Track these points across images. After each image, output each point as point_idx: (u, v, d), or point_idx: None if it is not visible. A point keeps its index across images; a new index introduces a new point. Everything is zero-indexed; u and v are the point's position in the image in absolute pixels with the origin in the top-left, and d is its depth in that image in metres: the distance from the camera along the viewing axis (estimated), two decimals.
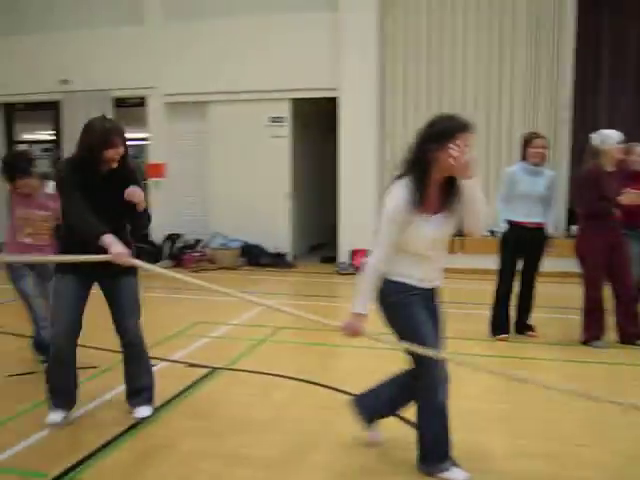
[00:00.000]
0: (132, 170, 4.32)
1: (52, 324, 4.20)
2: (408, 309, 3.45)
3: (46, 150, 12.88)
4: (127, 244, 4.07)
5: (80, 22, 11.88)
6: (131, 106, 12.06)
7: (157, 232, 11.68)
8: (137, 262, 3.97)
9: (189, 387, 5.05)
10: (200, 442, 4.07)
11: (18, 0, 12.37)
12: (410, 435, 3.79)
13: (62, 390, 4.26)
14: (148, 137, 11.96)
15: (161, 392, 4.75)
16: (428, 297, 3.54)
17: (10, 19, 12.46)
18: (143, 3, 11.57)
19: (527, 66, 10.20)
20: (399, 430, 4.13)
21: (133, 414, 4.34)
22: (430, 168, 3.22)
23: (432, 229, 3.32)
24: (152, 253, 11.41)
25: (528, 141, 6.19)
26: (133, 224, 4.34)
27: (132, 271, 4.19)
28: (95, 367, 5.43)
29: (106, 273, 4.09)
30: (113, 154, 4.04)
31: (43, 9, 12.16)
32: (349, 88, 10.52)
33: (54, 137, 12.65)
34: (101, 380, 5.17)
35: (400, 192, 3.26)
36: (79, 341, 4.24)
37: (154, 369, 4.59)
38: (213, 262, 11.05)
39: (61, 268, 4.12)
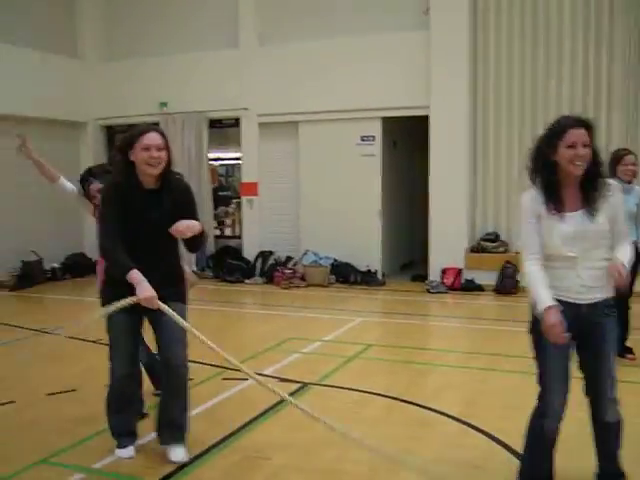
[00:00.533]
0: (183, 190, 3.97)
1: (110, 359, 4.06)
2: (542, 338, 3.18)
3: None
4: (176, 273, 3.96)
5: (178, 47, 12.35)
6: (225, 127, 12.40)
7: (249, 249, 11.93)
8: (162, 306, 3.70)
9: (281, 401, 5.12)
10: (292, 456, 4.13)
11: (119, 27, 12.98)
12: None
13: (122, 432, 4.14)
14: (241, 156, 12.26)
15: (254, 405, 4.86)
16: (579, 315, 3.23)
17: (111, 46, 13.09)
18: (239, 27, 11.91)
19: (624, 80, 9.88)
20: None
21: (168, 456, 3.99)
22: (553, 167, 3.18)
23: (569, 226, 3.21)
24: (244, 270, 11.65)
25: (618, 158, 6.00)
26: (186, 245, 4.02)
27: (180, 296, 3.98)
28: (191, 379, 5.59)
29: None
30: (147, 148, 3.70)
31: (143, 36, 12.72)
32: (440, 106, 10.48)
33: None
34: (195, 392, 5.32)
35: (527, 194, 3.28)
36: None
37: (246, 384, 4.68)
38: (304, 279, 11.18)
39: (107, 300, 3.87)
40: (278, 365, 6.17)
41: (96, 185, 4.90)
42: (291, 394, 5.27)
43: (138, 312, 3.85)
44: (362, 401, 5.19)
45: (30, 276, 11.52)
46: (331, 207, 11.39)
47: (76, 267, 12.37)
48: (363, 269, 11.21)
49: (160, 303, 3.68)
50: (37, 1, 12.11)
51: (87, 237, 13.06)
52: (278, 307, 9.09)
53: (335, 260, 11.32)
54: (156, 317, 3.86)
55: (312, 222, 11.59)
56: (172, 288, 3.93)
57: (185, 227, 3.75)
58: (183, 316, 3.81)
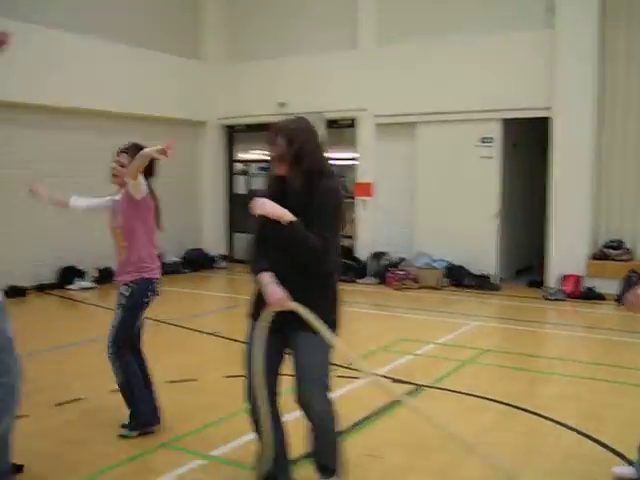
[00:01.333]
0: (325, 190, 3.22)
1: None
2: None
3: (262, 169, 13.72)
4: (323, 282, 3.34)
5: (297, 48, 12.57)
6: (342, 127, 12.50)
7: (362, 249, 11.96)
8: (293, 305, 3.17)
9: (394, 402, 5.12)
10: (406, 456, 4.12)
11: (241, 30, 13.35)
12: None
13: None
14: (357, 157, 12.32)
15: (367, 405, 4.87)
16: None
17: (233, 48, 13.48)
18: (358, 28, 11.98)
19: None
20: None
21: None
22: None
23: None
24: (357, 270, 11.69)
25: None
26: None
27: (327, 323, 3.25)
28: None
29: (285, 324, 3.25)
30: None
31: (263, 38, 13.03)
32: (564, 107, 10.14)
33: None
34: None
35: None
36: None
37: (360, 383, 4.68)
38: (417, 281, 11.10)
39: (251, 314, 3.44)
40: (391, 366, 6.16)
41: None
42: (404, 395, 5.28)
43: (279, 332, 3.29)
44: (476, 406, 5.10)
45: None
46: (447, 209, 11.26)
47: (195, 262, 12.81)
48: (477, 273, 11.01)
49: (292, 304, 3.17)
50: (165, 7, 12.64)
51: (206, 233, 13.54)
52: (390, 308, 9.06)
53: (449, 263, 11.18)
54: (291, 343, 3.31)
55: (427, 224, 11.49)
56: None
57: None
58: (321, 349, 3.26)
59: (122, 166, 4.46)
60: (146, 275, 4.48)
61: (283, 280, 3.21)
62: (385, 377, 5.73)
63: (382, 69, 11.65)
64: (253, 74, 13.05)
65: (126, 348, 4.47)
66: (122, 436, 4.38)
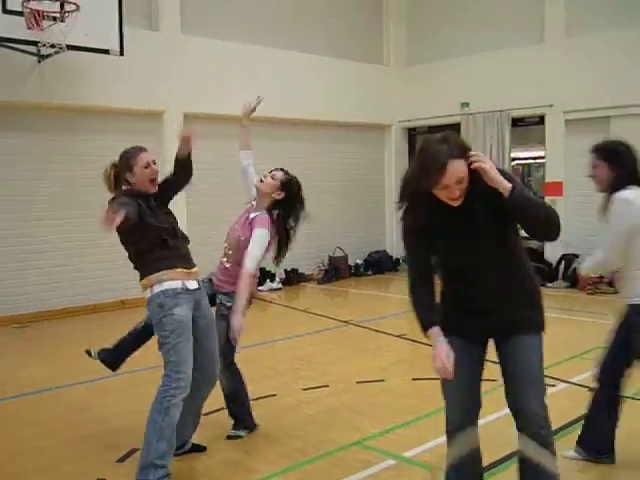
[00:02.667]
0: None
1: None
2: None
3: None
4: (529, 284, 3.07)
5: (478, 46, 12.29)
6: (529, 125, 12.07)
7: (552, 252, 11.47)
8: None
9: None
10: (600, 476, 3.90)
11: (421, 32, 13.30)
12: None
13: None
14: (545, 155, 11.84)
15: (560, 415, 4.65)
16: None
17: (414, 50, 13.45)
18: (545, 20, 11.52)
19: None
20: None
21: None
22: None
23: None
24: (546, 273, 11.23)
25: None
26: None
27: (535, 325, 3.00)
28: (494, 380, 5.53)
29: (500, 328, 2.99)
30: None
31: (443, 38, 12.87)
32: None
33: None
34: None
35: None
36: None
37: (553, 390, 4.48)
38: (612, 285, 10.46)
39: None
40: (586, 374, 5.84)
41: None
42: None
43: (481, 339, 3.07)
44: None
45: (337, 270, 12.30)
46: None
47: (378, 264, 12.93)
48: None
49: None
50: (348, 15, 12.88)
51: (389, 235, 13.63)
52: (584, 313, 8.60)
53: None
54: (505, 349, 3.01)
55: None
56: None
57: None
58: (538, 351, 2.97)
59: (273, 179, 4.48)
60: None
61: (485, 297, 2.94)
62: (581, 386, 5.46)
63: (570, 62, 11.09)
64: (434, 75, 12.92)
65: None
66: (232, 437, 4.48)
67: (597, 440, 4.00)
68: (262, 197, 4.45)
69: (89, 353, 4.44)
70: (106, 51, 8.46)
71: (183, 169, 4.11)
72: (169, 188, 4.12)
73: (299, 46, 11.79)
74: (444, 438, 4.23)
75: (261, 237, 4.25)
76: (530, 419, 2.91)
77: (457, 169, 2.67)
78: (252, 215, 4.41)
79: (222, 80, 10.54)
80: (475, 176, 2.75)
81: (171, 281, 3.81)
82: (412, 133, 13.95)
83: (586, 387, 5.40)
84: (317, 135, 12.26)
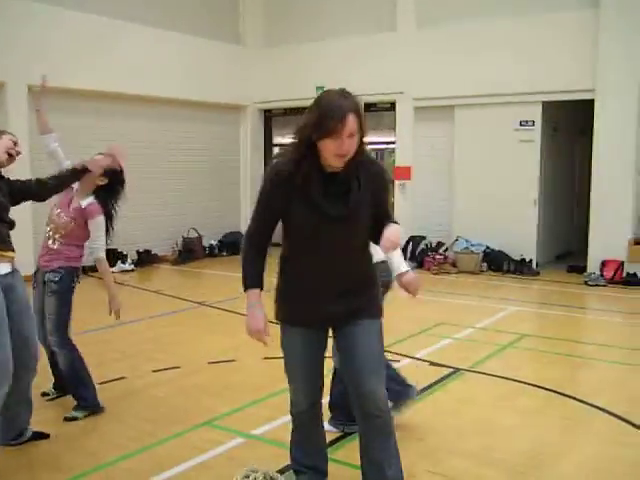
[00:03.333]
0: (376, 173, 3.01)
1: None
2: None
3: None
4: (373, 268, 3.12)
5: (335, 31, 12.50)
6: (381, 110, 12.42)
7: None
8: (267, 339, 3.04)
9: (433, 384, 5.13)
10: (445, 439, 4.13)
11: (279, 14, 13.33)
12: None
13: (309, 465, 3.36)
14: (395, 140, 12.25)
15: None
16: None
17: (271, 32, 13.47)
18: (397, 10, 11.87)
19: None
20: None
21: None
22: None
23: None
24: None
25: None
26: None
27: (375, 311, 3.08)
28: None
29: (339, 314, 3.01)
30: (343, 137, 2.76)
31: (301, 21, 12.99)
32: (609, 89, 9.94)
33: None
34: None
35: None
36: None
37: (397, 366, 4.69)
38: (455, 265, 11.04)
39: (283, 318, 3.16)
40: (429, 349, 6.16)
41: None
42: (443, 378, 5.29)
43: (321, 327, 3.12)
44: (517, 390, 5.08)
45: (191, 252, 12.16)
46: (486, 193, 11.16)
47: (233, 245, 12.90)
48: (517, 258, 10.91)
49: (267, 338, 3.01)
50: None
51: (244, 216, 13.62)
52: (429, 292, 9.04)
53: (487, 247, 11.09)
54: (345, 334, 3.05)
55: (465, 208, 11.40)
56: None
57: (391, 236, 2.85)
58: (379, 336, 3.07)
59: None
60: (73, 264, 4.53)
61: (335, 274, 2.96)
62: (423, 360, 5.74)
63: (421, 51, 11.54)
64: (291, 58, 13.01)
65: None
66: (69, 419, 4.41)
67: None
68: (86, 182, 4.47)
69: None
70: None
71: (50, 192, 4.16)
72: (23, 190, 3.96)
73: (154, 21, 11.45)
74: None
75: (100, 224, 4.52)
76: (373, 401, 2.97)
77: (354, 123, 2.74)
78: (83, 204, 4.48)
79: (72, 52, 10.05)
80: (365, 159, 2.93)
81: None
82: (268, 115, 13.99)
83: (427, 361, 5.72)
84: (172, 114, 12.00)
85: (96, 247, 4.48)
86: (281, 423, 4.26)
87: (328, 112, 2.72)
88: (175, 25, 11.81)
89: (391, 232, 2.83)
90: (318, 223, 2.85)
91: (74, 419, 4.40)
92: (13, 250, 3.80)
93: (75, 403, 4.50)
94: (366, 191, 2.89)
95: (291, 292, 3.06)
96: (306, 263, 2.98)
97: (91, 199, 4.51)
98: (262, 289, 2.98)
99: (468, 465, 3.77)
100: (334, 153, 2.77)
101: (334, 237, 2.89)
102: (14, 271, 3.83)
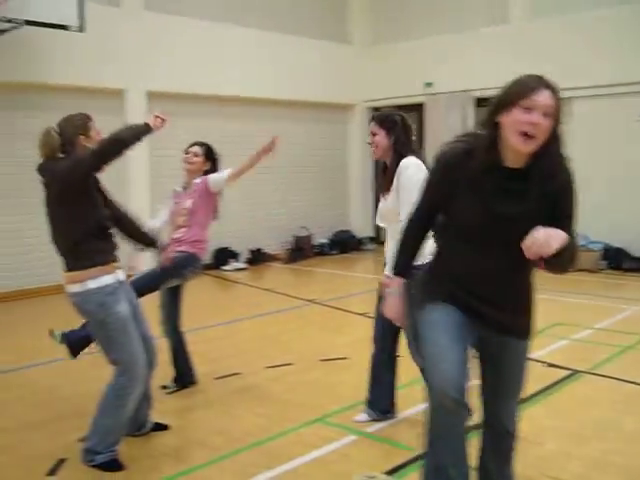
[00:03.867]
0: (566, 180, 2.63)
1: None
2: None
3: None
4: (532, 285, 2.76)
5: (443, 26, 12.31)
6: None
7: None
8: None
9: (550, 387, 4.97)
10: (564, 442, 4.00)
11: (386, 11, 13.26)
12: None
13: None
14: None
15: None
16: None
17: (378, 29, 13.42)
18: (509, 1, 11.57)
19: None
20: None
21: None
22: None
23: None
24: None
25: None
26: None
27: (529, 330, 2.81)
28: None
29: (491, 325, 2.71)
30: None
31: (409, 18, 12.87)
32: None
33: (415, 138, 13.30)
34: None
35: None
36: None
37: None
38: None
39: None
40: (546, 350, 5.96)
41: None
42: (560, 381, 5.11)
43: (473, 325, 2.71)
44: (637, 394, 4.84)
45: (301, 250, 12.32)
46: (605, 190, 10.67)
47: (342, 243, 12.97)
48: (638, 255, 10.39)
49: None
50: None
51: (353, 215, 13.68)
52: (545, 291, 8.74)
53: (606, 245, 10.62)
54: (493, 350, 2.81)
55: (585, 204, 10.93)
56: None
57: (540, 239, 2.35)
58: (526, 358, 2.86)
59: (196, 156, 4.95)
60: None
61: (493, 281, 2.65)
62: (540, 362, 5.57)
63: (532, 43, 11.16)
64: (399, 55, 12.88)
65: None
66: (165, 387, 4.94)
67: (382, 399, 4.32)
68: (192, 176, 4.98)
69: (52, 334, 4.39)
70: (65, 27, 8.27)
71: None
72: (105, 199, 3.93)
73: (263, 24, 11.66)
74: (405, 413, 4.37)
75: (217, 180, 4.92)
76: (504, 425, 2.88)
77: (550, 100, 2.44)
78: (194, 182, 4.94)
79: (186, 58, 10.41)
80: (556, 159, 2.57)
81: (107, 275, 3.65)
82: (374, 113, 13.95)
83: (544, 362, 5.55)
84: (281, 114, 12.18)
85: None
86: (394, 421, 4.27)
87: (520, 80, 2.49)
88: (282, 27, 12.00)
89: (546, 234, 2.34)
90: (484, 222, 2.55)
91: (168, 388, 4.96)
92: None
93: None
94: (547, 196, 2.53)
95: (439, 287, 2.74)
96: (462, 264, 2.68)
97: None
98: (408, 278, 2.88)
99: (586, 470, 3.64)
100: (519, 129, 2.42)
101: (499, 240, 2.56)
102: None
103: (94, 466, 3.70)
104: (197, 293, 4.84)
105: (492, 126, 2.51)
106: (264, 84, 11.57)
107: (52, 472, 3.72)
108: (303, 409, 4.59)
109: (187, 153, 5.00)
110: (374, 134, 4.15)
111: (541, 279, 2.92)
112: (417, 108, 12.74)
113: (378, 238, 13.83)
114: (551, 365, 5.49)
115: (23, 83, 8.78)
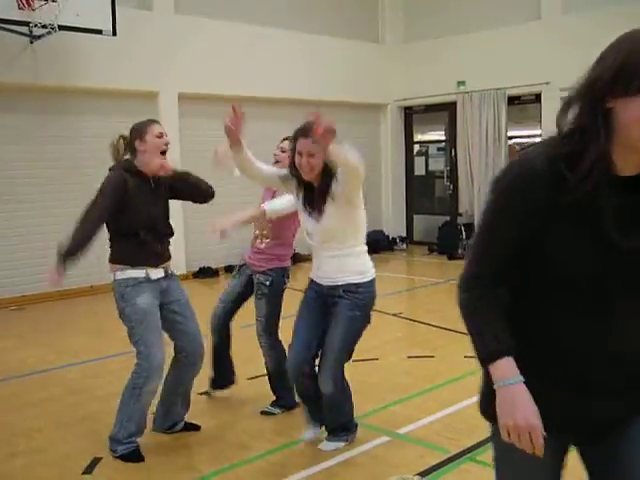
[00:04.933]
0: None
1: None
2: None
3: (440, 149, 13.60)
4: None
5: (475, 24, 12.19)
6: (525, 103, 12.02)
7: None
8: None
9: None
10: None
11: (417, 9, 13.19)
12: None
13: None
14: (541, 133, 11.81)
15: None
16: None
17: (409, 28, 13.36)
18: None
19: None
20: None
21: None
22: None
23: None
24: None
25: None
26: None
27: None
28: None
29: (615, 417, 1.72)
30: None
31: (439, 16, 12.76)
32: None
33: (446, 137, 13.26)
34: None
35: None
36: None
37: None
38: None
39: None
40: None
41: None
42: None
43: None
44: None
45: None
46: None
47: (374, 243, 12.91)
48: None
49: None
50: None
51: (385, 215, 13.64)
52: None
53: None
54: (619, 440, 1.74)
55: None
56: None
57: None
58: None
59: (283, 152, 4.39)
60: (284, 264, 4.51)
61: (622, 352, 1.67)
62: None
63: (566, 39, 11.01)
64: (431, 53, 12.75)
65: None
66: (266, 412, 4.54)
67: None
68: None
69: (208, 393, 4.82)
70: (98, 31, 8.37)
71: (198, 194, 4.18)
72: (178, 186, 4.03)
73: (293, 24, 11.68)
74: (438, 414, 4.34)
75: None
76: None
77: None
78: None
79: (216, 60, 10.47)
80: None
81: (132, 270, 3.83)
82: (408, 112, 13.90)
83: None
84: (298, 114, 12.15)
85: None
86: (427, 422, 4.25)
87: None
88: (313, 27, 12.00)
89: None
90: (602, 265, 1.60)
91: (271, 414, 4.53)
92: (167, 260, 4.02)
93: (274, 399, 4.60)
94: None
95: (532, 376, 1.66)
96: (571, 331, 1.67)
97: None
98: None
99: None
100: None
101: (628, 293, 1.63)
102: (168, 275, 4.02)
103: (117, 457, 3.85)
104: None
105: (597, 116, 1.57)
106: (295, 85, 11.57)
107: (87, 471, 3.77)
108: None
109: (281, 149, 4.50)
110: (311, 155, 3.54)
111: None
112: (449, 107, 12.69)
113: (410, 238, 13.80)
114: None
115: (58, 87, 8.91)
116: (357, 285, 3.79)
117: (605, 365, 1.66)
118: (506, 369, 1.65)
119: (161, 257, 3.97)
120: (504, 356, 1.65)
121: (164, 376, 3.99)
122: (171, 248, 4.10)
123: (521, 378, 1.64)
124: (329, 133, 3.19)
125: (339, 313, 3.76)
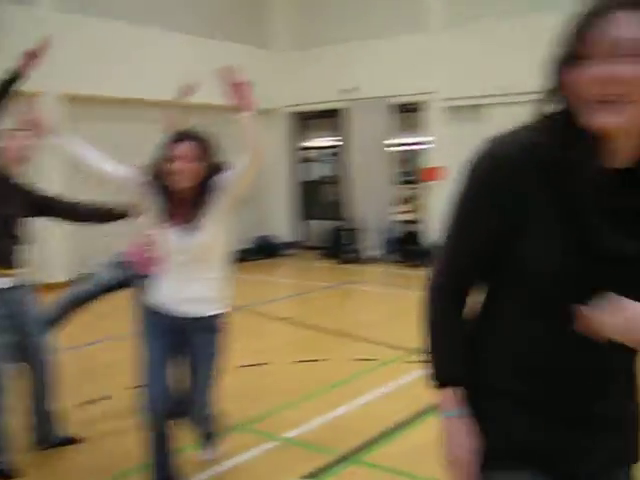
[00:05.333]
0: None
1: None
2: None
3: (330, 155, 13.81)
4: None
5: (362, 33, 12.41)
6: (411, 111, 12.34)
7: (431, 235, 11.84)
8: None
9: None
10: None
11: (305, 16, 13.32)
12: None
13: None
14: (427, 141, 12.14)
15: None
16: None
17: (298, 34, 13.46)
18: (429, 11, 11.77)
19: None
20: None
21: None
22: None
23: None
24: (421, 255, 11.58)
25: None
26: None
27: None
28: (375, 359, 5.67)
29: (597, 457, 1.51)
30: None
31: (328, 24, 12.93)
32: None
33: (337, 143, 13.45)
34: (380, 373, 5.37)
35: None
36: None
37: None
38: None
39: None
40: None
41: None
42: None
43: None
44: None
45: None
46: None
47: (262, 249, 12.91)
48: None
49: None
50: None
51: (274, 220, 13.61)
52: None
53: None
54: None
55: None
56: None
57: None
58: None
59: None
60: None
61: (603, 378, 1.48)
62: None
63: (450, 51, 11.42)
64: (319, 60, 12.92)
65: None
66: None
67: None
68: None
69: None
70: None
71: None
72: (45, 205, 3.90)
73: (181, 27, 11.49)
74: (326, 417, 4.37)
75: None
76: None
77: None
78: None
79: (99, 60, 10.13)
80: None
81: None
82: (298, 117, 13.98)
83: None
84: (204, 119, 11.99)
85: None
86: (314, 426, 4.27)
87: (586, 10, 1.33)
88: (202, 30, 11.86)
89: None
90: (583, 271, 1.39)
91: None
92: (20, 267, 3.78)
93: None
94: None
95: (501, 401, 1.54)
96: (547, 350, 1.48)
97: None
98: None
99: None
100: (592, 91, 1.30)
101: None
102: (17, 286, 3.77)
103: None
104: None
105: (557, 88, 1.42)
106: (167, 87, 11.36)
107: None
108: (222, 417, 4.52)
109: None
110: (191, 160, 3.26)
111: None
112: (338, 114, 12.88)
113: (302, 242, 13.86)
114: None
115: None
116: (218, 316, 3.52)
117: (582, 391, 1.47)
118: (451, 400, 1.56)
119: (7, 262, 3.73)
120: (453, 385, 1.56)
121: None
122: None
123: (463, 411, 1.54)
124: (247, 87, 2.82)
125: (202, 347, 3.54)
